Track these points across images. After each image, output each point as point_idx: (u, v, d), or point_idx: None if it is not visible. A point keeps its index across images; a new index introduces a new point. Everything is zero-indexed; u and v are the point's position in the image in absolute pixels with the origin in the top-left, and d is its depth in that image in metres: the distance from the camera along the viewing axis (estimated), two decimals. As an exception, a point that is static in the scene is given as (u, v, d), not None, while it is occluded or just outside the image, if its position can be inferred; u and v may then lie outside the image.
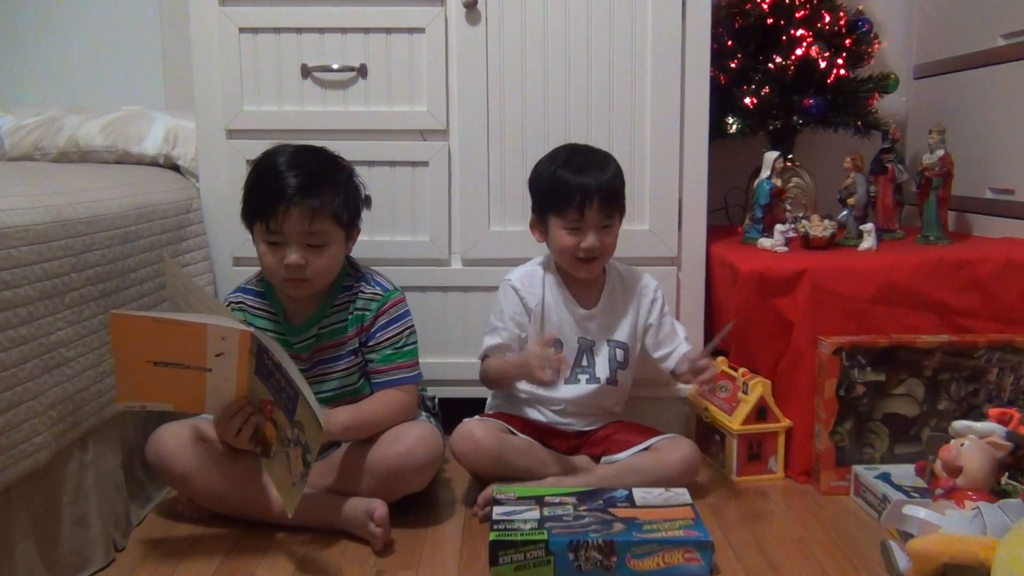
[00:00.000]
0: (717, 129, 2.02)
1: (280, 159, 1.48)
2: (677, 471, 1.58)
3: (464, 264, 1.86)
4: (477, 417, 1.63)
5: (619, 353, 1.69)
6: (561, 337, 1.66)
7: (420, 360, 1.60)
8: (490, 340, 1.66)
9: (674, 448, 1.60)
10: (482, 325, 1.70)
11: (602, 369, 1.68)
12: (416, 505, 1.53)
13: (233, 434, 1.40)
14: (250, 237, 1.53)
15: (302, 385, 1.27)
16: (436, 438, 1.52)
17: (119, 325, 1.28)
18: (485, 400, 1.76)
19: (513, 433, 1.60)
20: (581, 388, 1.67)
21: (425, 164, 1.83)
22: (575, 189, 1.56)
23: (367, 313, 1.56)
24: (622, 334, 1.70)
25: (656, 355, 1.70)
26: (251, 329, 1.33)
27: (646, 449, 1.61)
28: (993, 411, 1.39)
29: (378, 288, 1.58)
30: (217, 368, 1.34)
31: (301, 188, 1.44)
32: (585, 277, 1.65)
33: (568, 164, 1.60)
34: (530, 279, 1.67)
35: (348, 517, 1.44)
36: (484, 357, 1.67)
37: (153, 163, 1.91)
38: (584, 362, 1.68)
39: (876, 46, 2.14)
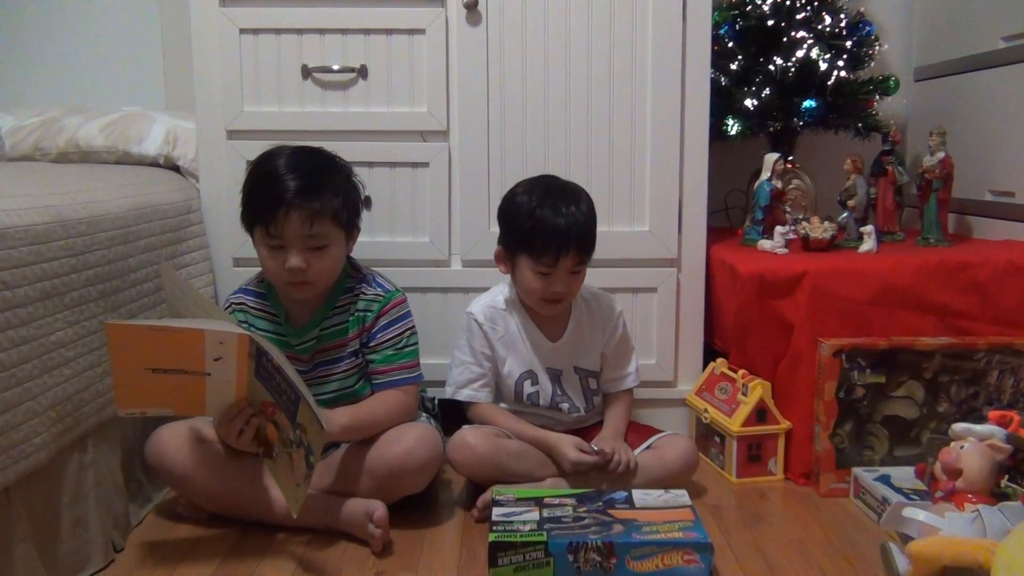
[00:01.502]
0: (717, 131, 2.03)
1: (278, 162, 1.48)
2: (677, 468, 1.60)
3: (464, 265, 1.86)
4: (474, 424, 1.63)
5: (591, 382, 1.71)
6: (532, 368, 1.66)
7: (420, 361, 1.60)
8: (461, 375, 1.65)
9: (673, 445, 1.62)
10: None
11: (578, 399, 1.70)
12: (415, 506, 1.53)
13: (235, 436, 1.40)
14: (250, 239, 1.53)
15: (304, 391, 1.27)
16: (436, 439, 1.52)
17: (115, 335, 1.26)
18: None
19: (509, 436, 1.60)
20: (564, 416, 1.69)
21: (425, 165, 1.83)
22: (552, 236, 1.54)
23: (369, 314, 1.56)
24: (590, 362, 1.71)
25: (601, 375, 1.73)
26: (249, 332, 1.33)
27: (646, 448, 1.62)
28: (993, 413, 1.39)
29: (379, 289, 1.58)
30: (216, 372, 1.33)
31: (300, 191, 1.44)
32: (548, 315, 1.64)
33: (546, 204, 1.56)
34: (493, 312, 1.66)
35: (347, 518, 1.44)
36: (467, 400, 1.65)
37: (153, 164, 1.91)
38: (558, 391, 1.69)
39: (876, 48, 2.14)
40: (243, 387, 1.37)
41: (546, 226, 1.54)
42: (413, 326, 1.59)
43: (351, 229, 1.55)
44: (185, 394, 1.35)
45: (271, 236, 1.46)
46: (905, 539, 1.26)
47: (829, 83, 2.05)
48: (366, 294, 1.57)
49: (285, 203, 1.43)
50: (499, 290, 1.71)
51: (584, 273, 1.62)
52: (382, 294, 1.57)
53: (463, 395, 1.65)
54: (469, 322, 1.67)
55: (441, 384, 1.78)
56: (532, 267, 1.58)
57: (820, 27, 2.07)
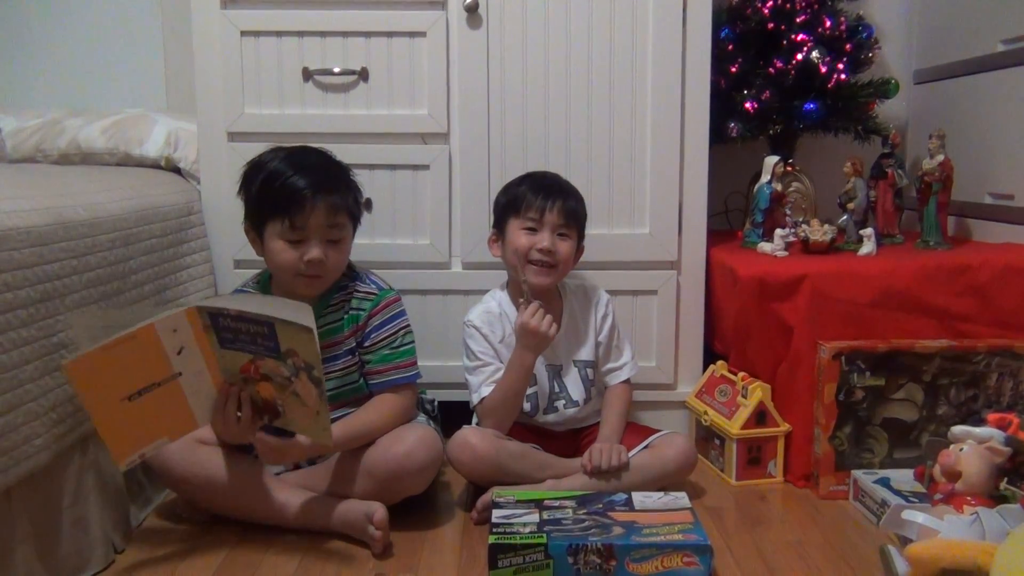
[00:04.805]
0: (717, 133, 2.03)
1: (288, 159, 1.49)
2: (675, 466, 1.60)
3: (464, 267, 1.87)
4: (474, 425, 1.64)
5: (589, 372, 1.71)
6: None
7: (420, 363, 1.61)
8: (476, 377, 1.64)
9: (670, 444, 1.62)
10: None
11: (576, 391, 1.70)
12: (415, 508, 1.53)
13: (234, 423, 1.38)
14: (248, 237, 1.54)
15: (271, 311, 1.23)
16: (435, 441, 1.52)
17: (76, 373, 1.22)
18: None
19: (509, 438, 1.60)
20: (561, 414, 1.70)
21: (426, 167, 1.83)
22: (538, 192, 1.63)
23: (361, 312, 1.57)
24: (587, 352, 1.71)
25: (599, 370, 1.73)
26: (193, 305, 1.29)
27: (644, 448, 1.62)
28: (992, 416, 1.39)
29: (372, 287, 1.59)
30: (185, 367, 1.31)
31: (322, 184, 1.47)
32: (538, 284, 1.61)
33: (533, 177, 1.68)
34: (490, 318, 1.68)
35: (347, 520, 1.44)
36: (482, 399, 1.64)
37: (154, 165, 1.91)
38: (556, 388, 1.69)
39: (876, 51, 2.14)
40: (216, 370, 1.35)
41: (531, 183, 1.65)
42: (408, 325, 1.60)
43: (357, 224, 1.57)
44: (169, 411, 1.32)
45: (295, 229, 1.46)
46: (904, 541, 1.26)
47: (829, 86, 2.05)
48: (359, 292, 1.58)
49: (311, 195, 1.45)
50: (492, 295, 1.72)
51: (572, 244, 1.64)
52: (375, 291, 1.58)
53: (486, 390, 1.63)
54: (469, 330, 1.68)
55: (441, 386, 1.80)
56: (520, 225, 1.62)
57: (820, 30, 2.07)
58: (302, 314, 1.25)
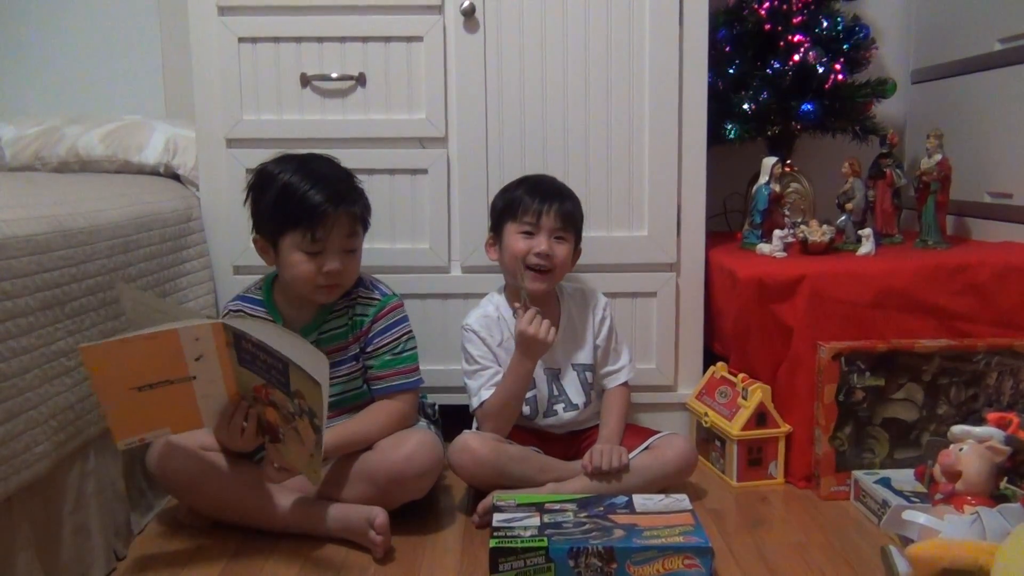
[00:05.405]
0: (715, 135, 2.03)
1: (301, 171, 1.48)
2: (675, 467, 1.61)
3: (463, 271, 1.87)
4: (474, 429, 1.64)
5: (588, 376, 1.72)
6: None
7: (420, 367, 1.61)
8: (475, 382, 1.64)
9: (670, 446, 1.62)
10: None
11: (576, 395, 1.70)
12: (416, 512, 1.54)
13: (238, 434, 1.39)
14: (250, 246, 1.55)
15: (290, 351, 1.25)
16: (436, 445, 1.52)
17: (91, 357, 1.24)
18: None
19: (510, 442, 1.60)
20: (561, 418, 1.70)
21: (424, 172, 1.83)
22: (534, 196, 1.63)
23: (365, 318, 1.57)
24: (585, 356, 1.72)
25: (598, 373, 1.74)
26: (221, 320, 1.32)
27: (644, 449, 1.62)
28: (992, 415, 1.39)
29: (376, 293, 1.59)
30: (201, 373, 1.32)
31: (342, 196, 1.47)
32: (534, 289, 1.62)
33: (530, 180, 1.68)
34: (488, 322, 1.68)
35: (348, 525, 1.44)
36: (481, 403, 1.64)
37: (153, 172, 1.92)
38: (555, 391, 1.69)
39: (873, 51, 2.15)
40: (232, 381, 1.36)
41: (528, 187, 1.65)
42: (410, 331, 1.60)
43: (366, 230, 1.58)
44: (177, 407, 1.34)
45: (315, 242, 1.46)
46: (905, 542, 1.27)
47: (827, 86, 2.05)
48: (363, 298, 1.58)
49: (333, 209, 1.45)
50: (489, 299, 1.72)
51: (569, 248, 1.64)
52: (378, 297, 1.58)
53: (485, 394, 1.63)
54: (468, 335, 1.68)
55: (442, 390, 1.80)
56: (517, 229, 1.63)
57: (817, 30, 2.07)
58: (317, 366, 1.26)
